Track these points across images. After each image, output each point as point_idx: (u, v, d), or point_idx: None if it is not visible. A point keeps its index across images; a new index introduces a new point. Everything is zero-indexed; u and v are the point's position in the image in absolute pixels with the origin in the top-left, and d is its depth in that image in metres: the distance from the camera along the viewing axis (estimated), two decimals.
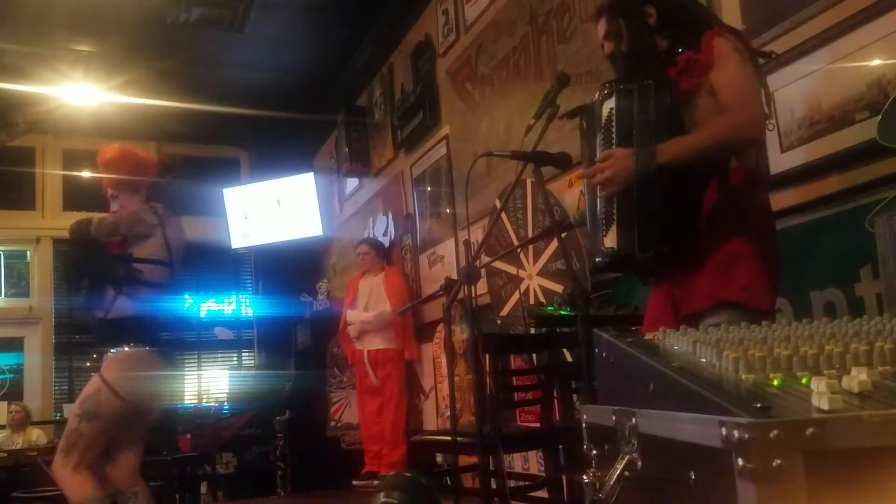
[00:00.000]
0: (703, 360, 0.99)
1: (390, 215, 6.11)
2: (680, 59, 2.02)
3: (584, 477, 1.23)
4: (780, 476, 0.70)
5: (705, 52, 1.99)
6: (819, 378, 0.83)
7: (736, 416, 0.75)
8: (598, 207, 2.05)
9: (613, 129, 1.99)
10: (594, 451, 1.22)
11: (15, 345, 7.83)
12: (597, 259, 2.11)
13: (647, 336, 1.21)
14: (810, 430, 0.71)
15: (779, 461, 0.71)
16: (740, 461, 0.72)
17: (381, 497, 1.02)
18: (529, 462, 4.10)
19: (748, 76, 1.99)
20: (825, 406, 0.76)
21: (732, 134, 1.95)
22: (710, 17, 2.23)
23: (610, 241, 2.00)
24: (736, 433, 0.72)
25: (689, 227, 1.97)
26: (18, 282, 7.91)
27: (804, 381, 0.86)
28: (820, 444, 0.71)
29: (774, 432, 0.71)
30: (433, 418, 5.36)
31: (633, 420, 1.02)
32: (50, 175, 7.82)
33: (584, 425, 1.28)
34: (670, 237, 1.95)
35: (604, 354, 1.25)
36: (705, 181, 1.98)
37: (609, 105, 2.01)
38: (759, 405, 0.77)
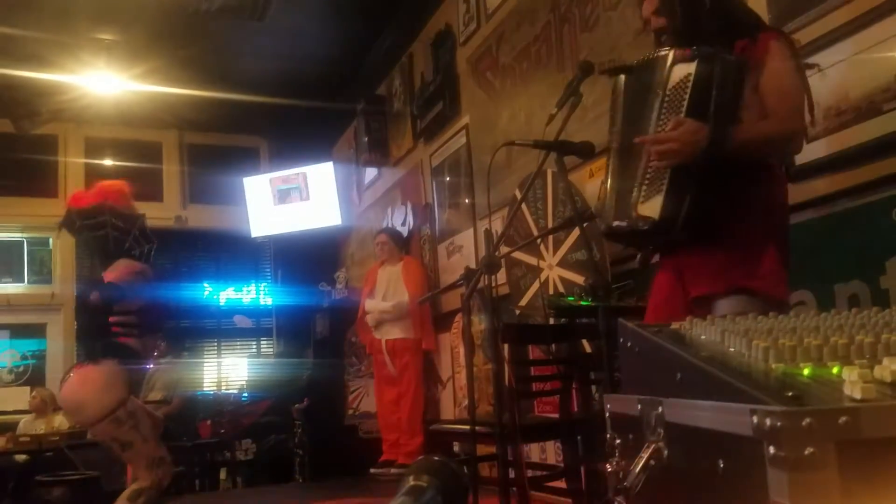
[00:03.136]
0: (732, 349, 0.99)
1: (409, 205, 6.11)
2: (737, 46, 2.01)
3: (607, 466, 1.23)
4: (813, 464, 0.70)
5: (761, 48, 1.98)
6: (850, 368, 0.82)
7: (767, 405, 0.74)
8: (640, 172, 1.96)
9: (686, 97, 1.88)
10: (618, 441, 1.22)
11: (37, 331, 7.93)
12: (619, 223, 2.03)
13: (674, 325, 1.20)
14: (843, 419, 0.71)
15: (811, 449, 0.70)
16: (772, 449, 0.72)
17: (411, 480, 1.02)
18: (547, 452, 4.11)
19: (800, 87, 1.99)
20: (858, 395, 0.75)
21: (786, 138, 1.97)
22: (757, 19, 2.21)
23: (649, 209, 1.92)
24: (768, 421, 0.72)
25: (716, 209, 1.94)
26: (41, 269, 8.00)
27: (835, 370, 0.86)
28: (853, 433, 0.70)
29: (807, 420, 0.71)
30: (450, 408, 5.38)
31: (660, 409, 1.02)
32: (72, 163, 7.90)
33: (607, 414, 1.27)
34: (710, 217, 1.92)
35: (628, 344, 1.24)
36: (735, 166, 1.94)
37: (685, 70, 1.90)
38: (790, 394, 0.76)
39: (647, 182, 1.95)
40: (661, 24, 2.13)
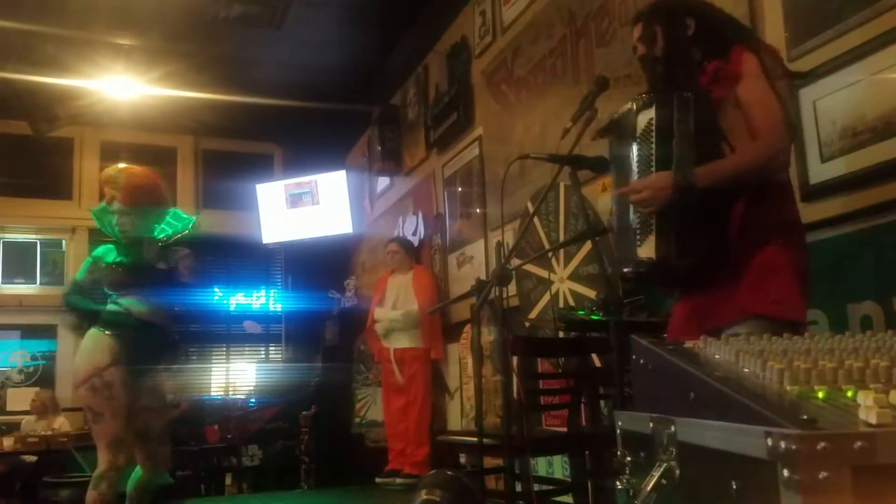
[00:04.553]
0: (747, 370, 0.99)
1: (420, 215, 6.12)
2: (709, 68, 2.04)
3: (617, 483, 1.23)
4: (827, 489, 0.70)
5: (734, 63, 2.00)
6: (866, 392, 0.82)
7: (782, 428, 0.74)
8: (631, 219, 2.03)
9: (652, 141, 1.97)
10: (628, 458, 1.22)
11: (48, 332, 7.96)
12: (627, 270, 2.09)
13: (688, 344, 1.20)
14: (858, 444, 0.71)
15: (825, 474, 0.70)
16: (786, 472, 0.72)
17: (424, 494, 1.02)
18: (554, 466, 4.10)
19: (775, 99, 1.98)
20: (873, 420, 0.75)
21: (765, 163, 1.97)
22: (745, 34, 2.22)
23: (646, 251, 1.98)
24: (783, 444, 0.72)
25: (720, 237, 1.96)
26: (53, 270, 8.05)
27: (850, 394, 0.86)
28: (869, 459, 0.71)
29: (822, 444, 0.71)
30: (457, 419, 5.37)
31: (672, 428, 1.02)
32: (87, 166, 7.96)
33: (618, 431, 1.27)
34: (707, 246, 1.94)
35: (641, 361, 1.24)
36: (735, 193, 1.97)
37: (647, 115, 1.98)
38: (805, 417, 0.76)
39: (639, 226, 2.01)
40: (642, 52, 2.18)
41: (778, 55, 2.11)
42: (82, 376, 3.26)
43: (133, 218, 3.44)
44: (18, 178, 7.77)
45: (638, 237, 2.00)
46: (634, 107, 2.03)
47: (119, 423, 3.23)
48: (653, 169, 1.96)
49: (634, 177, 2.00)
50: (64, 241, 8.07)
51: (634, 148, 2.02)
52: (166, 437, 3.51)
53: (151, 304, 3.38)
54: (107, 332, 3.32)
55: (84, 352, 3.33)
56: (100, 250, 3.52)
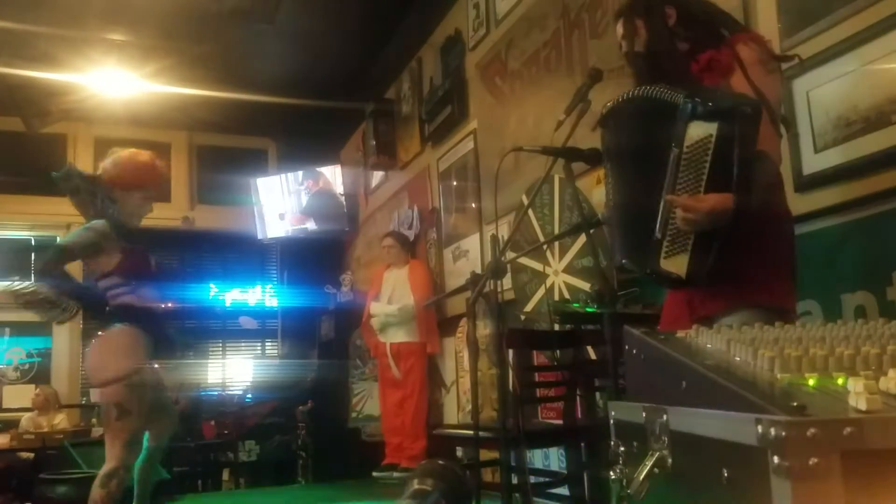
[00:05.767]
0: (738, 358, 0.99)
1: (416, 209, 6.12)
2: (702, 57, 2.02)
3: (611, 473, 1.23)
4: (817, 474, 0.70)
5: (728, 54, 1.99)
6: (856, 379, 0.82)
7: (772, 415, 0.75)
8: (660, 225, 1.89)
9: (708, 160, 1.80)
10: (622, 448, 1.22)
11: (43, 329, 7.95)
12: (638, 270, 2.03)
13: (680, 334, 1.20)
14: (848, 430, 0.71)
15: (815, 460, 0.71)
16: (776, 459, 0.72)
17: (415, 483, 1.03)
18: (550, 458, 4.10)
19: (772, 92, 1.97)
20: (863, 406, 0.75)
21: (774, 168, 1.98)
22: (732, 23, 2.19)
23: (673, 266, 1.89)
24: (773, 431, 0.72)
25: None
26: None
27: (840, 381, 0.86)
28: (858, 444, 0.71)
29: (811, 431, 0.71)
30: (454, 412, 5.38)
31: (664, 417, 1.02)
32: (81, 162, 7.92)
33: (612, 422, 1.28)
34: (727, 257, 1.89)
35: (634, 351, 1.24)
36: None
37: (703, 128, 1.80)
38: (795, 404, 0.76)
39: (669, 237, 1.89)
40: (626, 49, 2.16)
41: (766, 45, 2.09)
42: (121, 373, 3.17)
43: (120, 197, 3.41)
44: (12, 174, 7.74)
45: (666, 247, 1.90)
46: (682, 109, 1.82)
47: (142, 422, 3.21)
48: (702, 187, 1.82)
49: (673, 188, 1.86)
50: (58, 238, 8.03)
51: (677, 157, 1.84)
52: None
53: (157, 296, 3.35)
54: (136, 328, 3.27)
55: (121, 348, 3.24)
56: (98, 223, 3.41)
